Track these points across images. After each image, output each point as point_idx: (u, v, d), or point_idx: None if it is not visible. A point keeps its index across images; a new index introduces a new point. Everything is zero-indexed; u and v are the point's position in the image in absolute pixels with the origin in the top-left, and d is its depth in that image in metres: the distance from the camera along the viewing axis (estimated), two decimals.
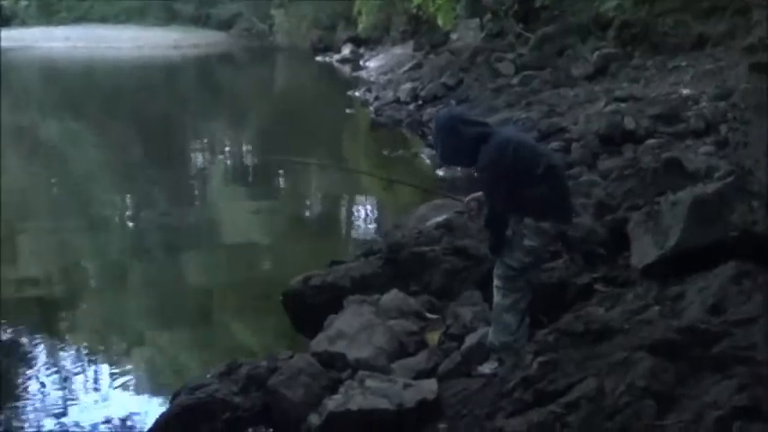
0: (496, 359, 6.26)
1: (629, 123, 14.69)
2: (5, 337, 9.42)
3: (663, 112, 15.06)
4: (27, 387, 8.25)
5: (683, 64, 18.62)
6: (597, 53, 21.32)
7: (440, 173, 16.69)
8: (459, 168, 15.06)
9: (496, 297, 6.22)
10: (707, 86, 16.20)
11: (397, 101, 25.44)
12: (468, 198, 6.63)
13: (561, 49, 23.27)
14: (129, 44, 59.52)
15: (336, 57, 47.71)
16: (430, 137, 19.83)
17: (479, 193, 6.43)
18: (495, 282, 6.22)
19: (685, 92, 16.48)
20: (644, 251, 7.03)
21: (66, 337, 9.63)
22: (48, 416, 7.63)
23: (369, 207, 16.00)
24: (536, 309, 6.55)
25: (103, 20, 73.15)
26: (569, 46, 23.15)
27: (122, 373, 8.54)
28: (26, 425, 7.49)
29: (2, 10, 77.71)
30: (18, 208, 15.70)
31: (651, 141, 13.72)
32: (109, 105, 30.43)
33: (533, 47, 24.69)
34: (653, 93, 17.04)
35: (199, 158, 20.94)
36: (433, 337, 7.24)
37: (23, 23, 76.35)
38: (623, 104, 16.41)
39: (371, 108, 26.00)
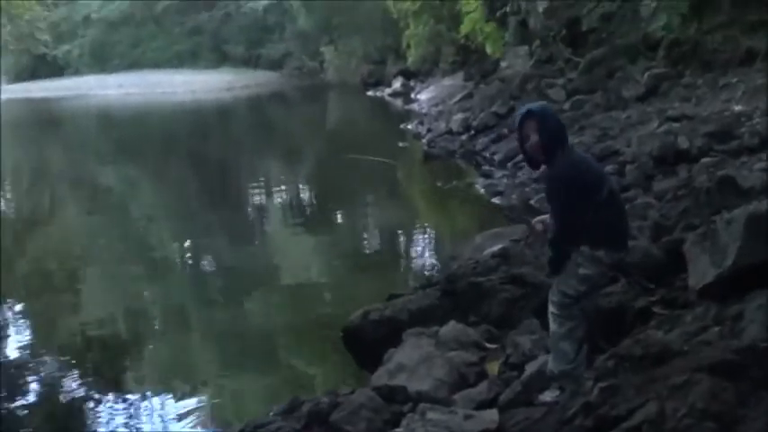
0: (557, 387, 6.23)
1: (683, 143, 14.59)
2: (72, 377, 9.59)
3: (716, 130, 14.94)
4: (93, 426, 8.38)
5: (734, 80, 18.43)
6: (647, 73, 21.20)
7: (496, 201, 16.71)
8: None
9: (552, 325, 6.20)
10: (759, 102, 16.03)
11: (450, 132, 25.49)
12: (535, 220, 6.60)
13: (611, 71, 23.19)
14: (182, 88, 60.33)
15: (387, 90, 47.94)
16: (484, 166, 19.93)
17: (545, 216, 6.41)
18: (551, 308, 6.20)
19: (738, 108, 16.32)
20: (701, 271, 6.98)
21: (131, 378, 9.77)
22: None
23: (425, 238, 16.02)
24: (595, 334, 6.54)
25: (156, 65, 74.32)
26: (619, 68, 23.05)
27: (186, 412, 8.60)
28: None
29: (56, 60, 79.19)
30: (79, 252, 15.99)
31: (706, 160, 13.59)
32: (165, 149, 30.80)
33: (583, 71, 24.64)
34: (705, 111, 16.90)
35: (256, 197, 21.10)
36: (493, 367, 7.24)
37: (77, 72, 77.77)
38: (676, 124, 16.31)
39: (424, 140, 26.06)
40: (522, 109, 6.23)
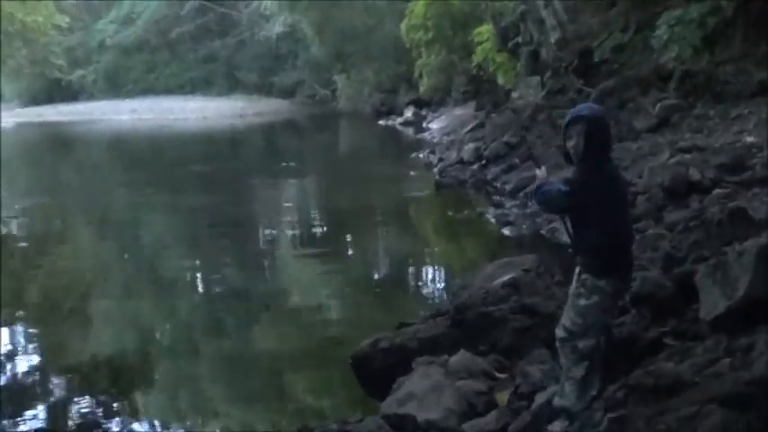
0: (566, 417, 6.21)
1: (694, 174, 14.54)
2: (78, 403, 9.59)
3: (728, 162, 14.90)
4: None
5: (746, 112, 18.39)
6: (659, 105, 21.16)
7: (505, 232, 16.72)
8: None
9: (561, 360, 6.24)
10: None
11: (461, 161, 25.48)
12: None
13: (622, 102, 23.13)
14: (195, 114, 60.60)
15: (399, 120, 47.98)
16: (495, 196, 19.95)
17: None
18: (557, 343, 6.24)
19: (749, 140, 16.29)
20: (712, 303, 6.96)
21: (138, 404, 9.78)
22: None
23: (435, 267, 16.01)
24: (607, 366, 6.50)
25: (169, 91, 74.64)
26: (631, 99, 23.00)
27: None
28: None
29: (71, 84, 79.57)
30: (88, 275, 16.00)
31: (717, 191, 13.53)
32: (178, 174, 30.75)
33: (594, 102, 24.59)
34: (717, 142, 16.86)
35: (266, 224, 21.10)
36: (503, 397, 7.22)
37: (91, 97, 78.13)
38: (687, 155, 16.26)
39: (435, 169, 26.07)
40: (575, 111, 6.11)
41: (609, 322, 6.42)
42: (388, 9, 53.96)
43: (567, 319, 6.04)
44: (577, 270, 6.06)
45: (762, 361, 5.76)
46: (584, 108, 6.21)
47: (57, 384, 10.45)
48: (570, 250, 6.21)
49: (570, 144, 5.93)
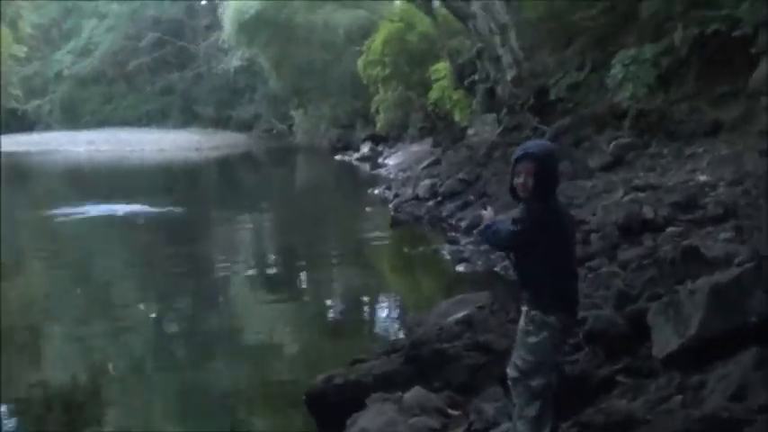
0: None
1: (648, 212, 14.63)
2: None
3: (681, 200, 15.01)
4: None
5: (700, 150, 18.59)
6: (614, 143, 21.31)
7: (460, 268, 16.74)
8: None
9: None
10: (724, 172, 16.17)
11: (417, 197, 25.51)
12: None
13: (578, 140, 23.30)
14: (152, 147, 60.47)
15: (355, 155, 48.06)
16: (450, 232, 19.98)
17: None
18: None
19: (702, 178, 16.45)
20: (665, 341, 7.01)
21: None
22: None
23: (390, 304, 15.98)
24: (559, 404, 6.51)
25: (126, 123, 74.78)
26: (586, 137, 23.17)
27: None
28: None
29: (26, 114, 79.09)
30: (41, 311, 15.78)
31: (670, 230, 13.62)
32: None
33: (550, 139, 24.70)
34: (670, 181, 17.01)
35: (220, 260, 20.95)
36: None
37: (48, 127, 77.82)
38: (641, 194, 16.38)
39: (391, 205, 26.06)
40: (525, 147, 6.07)
41: (559, 359, 6.41)
42: (346, 45, 54.26)
43: (518, 357, 6.00)
44: (525, 308, 6.04)
45: (713, 398, 5.80)
46: (534, 146, 6.17)
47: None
48: (517, 286, 6.21)
49: (518, 181, 5.92)
